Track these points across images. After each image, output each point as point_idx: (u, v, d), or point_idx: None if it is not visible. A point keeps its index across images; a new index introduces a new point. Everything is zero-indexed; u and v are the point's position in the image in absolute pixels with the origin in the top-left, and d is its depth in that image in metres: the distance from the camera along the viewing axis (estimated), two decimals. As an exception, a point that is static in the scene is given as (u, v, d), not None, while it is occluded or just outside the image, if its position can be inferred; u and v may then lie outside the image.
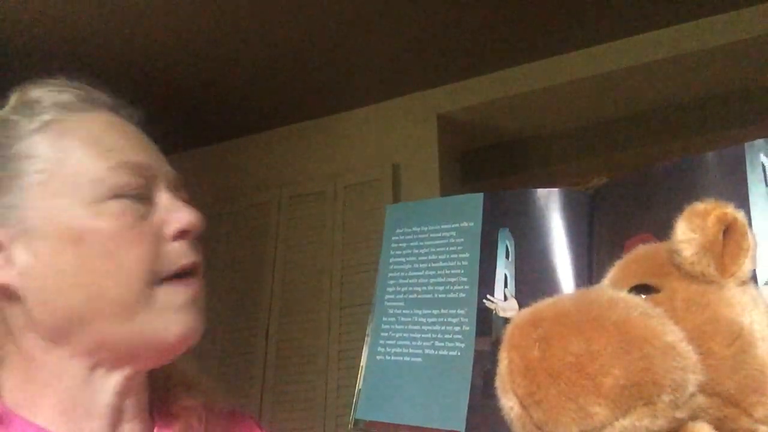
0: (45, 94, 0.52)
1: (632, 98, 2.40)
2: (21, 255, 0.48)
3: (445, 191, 2.40)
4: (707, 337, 0.33)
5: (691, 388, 0.30)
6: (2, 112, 0.52)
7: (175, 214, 0.51)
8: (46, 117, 0.51)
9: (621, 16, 2.13)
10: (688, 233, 0.34)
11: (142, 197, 0.50)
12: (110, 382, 0.50)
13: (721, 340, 0.33)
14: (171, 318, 0.49)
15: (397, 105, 2.59)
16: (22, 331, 0.49)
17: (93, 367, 0.49)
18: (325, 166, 2.62)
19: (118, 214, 0.48)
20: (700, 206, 0.35)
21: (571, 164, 2.56)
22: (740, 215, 0.35)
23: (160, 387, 0.56)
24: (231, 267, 2.56)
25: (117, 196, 0.49)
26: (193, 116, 2.64)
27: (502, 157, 2.68)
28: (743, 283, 0.35)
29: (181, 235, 0.51)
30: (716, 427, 0.33)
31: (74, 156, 0.49)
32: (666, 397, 0.29)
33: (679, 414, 0.30)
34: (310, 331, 2.37)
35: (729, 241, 0.35)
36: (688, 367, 0.30)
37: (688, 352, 0.31)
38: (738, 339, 0.33)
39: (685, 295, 0.35)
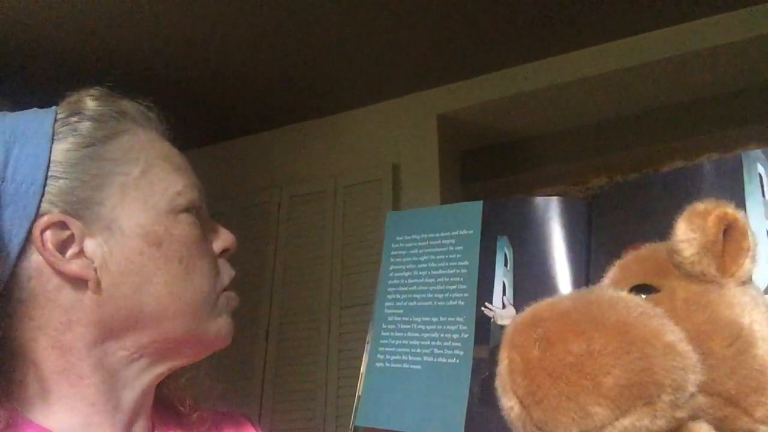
0: (126, 103, 0.55)
1: (632, 98, 2.40)
2: (95, 249, 0.49)
3: (445, 191, 2.41)
4: (707, 337, 0.33)
5: (691, 388, 0.30)
6: (88, 112, 0.52)
7: (220, 233, 0.57)
8: (130, 125, 0.54)
9: (621, 16, 2.13)
10: (688, 233, 0.34)
11: (199, 216, 0.55)
12: (144, 379, 0.52)
13: (721, 340, 0.33)
14: (226, 321, 0.55)
15: (397, 105, 2.59)
16: (72, 323, 0.48)
17: (133, 362, 0.51)
18: (325, 166, 2.62)
19: (191, 226, 0.53)
20: (700, 206, 0.35)
21: (571, 164, 2.56)
22: (740, 215, 0.35)
23: (161, 386, 0.56)
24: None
25: (187, 210, 0.53)
26: (192, 116, 2.64)
27: (502, 157, 2.68)
28: (743, 283, 0.35)
29: (223, 253, 0.57)
30: (716, 427, 0.33)
31: (156, 167, 0.53)
32: (666, 397, 0.29)
33: (679, 414, 0.30)
34: (310, 331, 2.37)
35: (729, 241, 0.35)
36: (688, 367, 0.30)
37: (688, 352, 0.31)
38: (738, 339, 0.33)
39: (685, 295, 0.35)
